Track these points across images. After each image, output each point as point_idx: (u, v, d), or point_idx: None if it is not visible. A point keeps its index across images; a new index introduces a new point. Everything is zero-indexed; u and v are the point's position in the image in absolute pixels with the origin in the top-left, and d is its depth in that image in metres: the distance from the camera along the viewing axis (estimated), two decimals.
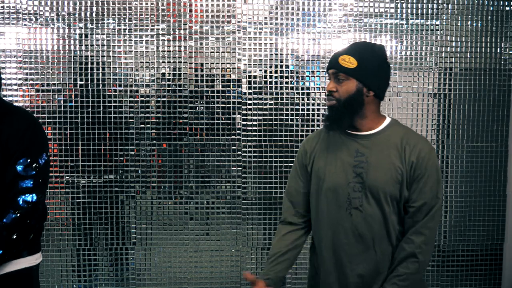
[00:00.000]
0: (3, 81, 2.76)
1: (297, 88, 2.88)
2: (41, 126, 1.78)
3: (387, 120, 1.65)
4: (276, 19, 2.85)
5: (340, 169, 1.61)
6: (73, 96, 2.80)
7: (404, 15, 2.90)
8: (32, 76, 2.77)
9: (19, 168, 1.64)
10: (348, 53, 1.57)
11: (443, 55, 2.93)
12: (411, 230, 1.57)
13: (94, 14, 2.77)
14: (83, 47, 2.79)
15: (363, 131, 1.63)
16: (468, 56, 2.95)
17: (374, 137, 1.61)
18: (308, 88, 2.89)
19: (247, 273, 1.73)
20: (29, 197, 1.65)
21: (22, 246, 1.69)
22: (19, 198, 1.64)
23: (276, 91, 2.86)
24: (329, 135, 1.69)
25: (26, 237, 1.69)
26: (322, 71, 2.88)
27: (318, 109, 2.89)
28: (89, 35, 2.78)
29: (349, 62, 1.55)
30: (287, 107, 2.87)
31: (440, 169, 1.63)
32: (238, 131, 2.86)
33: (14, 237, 1.63)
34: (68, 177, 2.82)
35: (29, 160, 1.65)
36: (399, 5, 2.89)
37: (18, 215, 1.63)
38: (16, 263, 1.72)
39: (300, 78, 2.88)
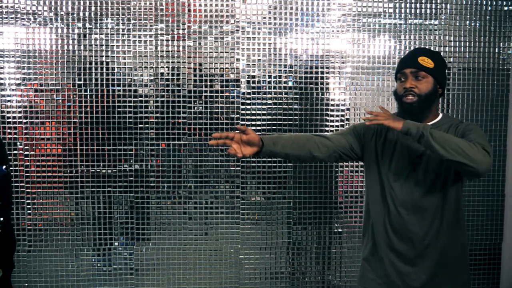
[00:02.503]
0: (1, 81, 2.76)
1: (295, 88, 2.88)
2: None
3: (441, 115, 1.88)
4: (275, 19, 2.85)
5: (403, 158, 1.82)
6: (71, 96, 2.79)
7: (402, 15, 2.90)
8: (30, 76, 2.77)
9: None
10: (425, 55, 1.80)
11: (441, 54, 2.93)
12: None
13: (92, 14, 2.77)
14: (82, 47, 2.78)
15: (425, 122, 1.81)
16: (467, 56, 2.95)
17: (433, 127, 1.78)
18: (306, 88, 2.89)
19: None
20: None
21: None
22: None
23: (275, 90, 2.86)
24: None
25: None
26: (321, 71, 2.88)
27: (317, 109, 2.89)
28: (87, 35, 2.78)
29: (428, 62, 1.78)
30: (286, 106, 2.88)
31: (483, 132, 1.79)
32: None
33: None
34: (66, 177, 2.82)
35: None
36: (397, 5, 2.89)
37: None
38: None
39: (299, 78, 2.88)
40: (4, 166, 1.36)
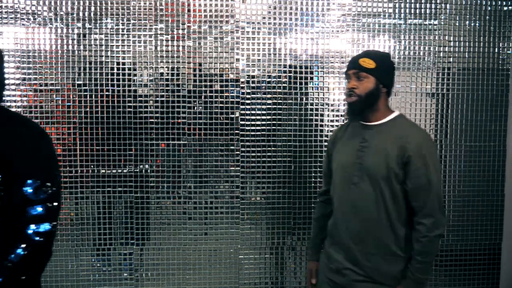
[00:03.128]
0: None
1: (295, 88, 2.88)
2: (51, 139, 1.51)
3: (394, 114, 1.93)
4: (275, 19, 2.85)
5: (349, 152, 1.93)
6: (71, 96, 2.79)
7: (402, 15, 2.90)
8: (30, 76, 2.77)
9: (28, 191, 1.36)
10: (367, 56, 1.88)
11: (441, 55, 2.93)
12: (420, 214, 1.81)
13: (92, 13, 2.77)
14: (81, 47, 2.78)
15: (373, 121, 1.91)
16: (466, 56, 2.95)
17: (379, 127, 1.90)
18: (306, 88, 2.89)
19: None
20: (41, 228, 1.36)
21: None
22: (29, 229, 1.35)
23: (274, 90, 2.87)
24: (350, 126, 2.01)
25: (36, 275, 1.41)
26: (320, 71, 2.89)
27: (317, 109, 2.89)
28: (87, 35, 2.78)
29: (369, 63, 1.85)
30: (285, 107, 2.88)
31: (433, 159, 1.82)
32: (236, 131, 2.86)
33: (23, 277, 1.35)
34: (66, 177, 2.82)
35: (39, 182, 1.37)
36: (397, 5, 2.89)
37: (29, 250, 1.34)
38: None
39: (299, 78, 2.88)
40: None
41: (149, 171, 2.86)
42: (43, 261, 1.41)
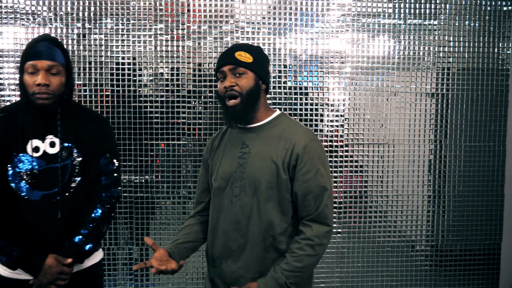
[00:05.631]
0: (0, 81, 2.76)
1: (295, 88, 2.88)
2: (111, 126, 2.00)
3: (276, 113, 1.72)
4: (274, 19, 2.85)
5: (228, 161, 1.69)
6: None
7: (402, 15, 2.90)
8: None
9: (102, 163, 1.81)
10: (242, 49, 1.65)
11: (441, 55, 2.93)
12: (308, 217, 1.60)
13: (92, 14, 2.77)
14: (81, 47, 2.78)
15: (253, 123, 1.69)
16: (466, 56, 2.95)
17: (259, 129, 1.68)
18: (306, 88, 2.89)
19: (148, 238, 1.65)
20: (114, 192, 1.83)
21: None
22: (104, 193, 1.80)
23: (274, 91, 2.87)
24: (228, 131, 1.78)
25: (107, 230, 1.87)
26: (320, 71, 2.89)
27: (316, 109, 2.90)
28: (87, 35, 2.78)
29: (246, 57, 1.63)
30: (285, 107, 2.88)
31: (323, 159, 1.63)
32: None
33: (104, 230, 1.81)
34: None
35: (108, 155, 1.83)
36: (397, 5, 2.90)
37: (107, 209, 1.80)
38: (94, 257, 1.86)
39: (298, 78, 2.88)
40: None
41: (149, 171, 2.86)
42: (111, 219, 1.91)
